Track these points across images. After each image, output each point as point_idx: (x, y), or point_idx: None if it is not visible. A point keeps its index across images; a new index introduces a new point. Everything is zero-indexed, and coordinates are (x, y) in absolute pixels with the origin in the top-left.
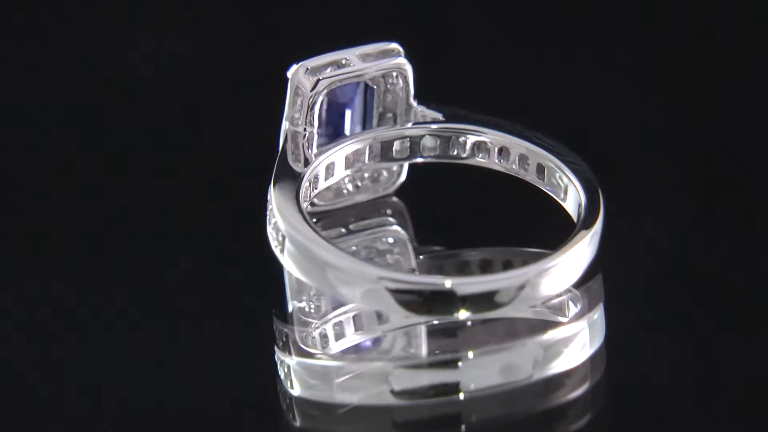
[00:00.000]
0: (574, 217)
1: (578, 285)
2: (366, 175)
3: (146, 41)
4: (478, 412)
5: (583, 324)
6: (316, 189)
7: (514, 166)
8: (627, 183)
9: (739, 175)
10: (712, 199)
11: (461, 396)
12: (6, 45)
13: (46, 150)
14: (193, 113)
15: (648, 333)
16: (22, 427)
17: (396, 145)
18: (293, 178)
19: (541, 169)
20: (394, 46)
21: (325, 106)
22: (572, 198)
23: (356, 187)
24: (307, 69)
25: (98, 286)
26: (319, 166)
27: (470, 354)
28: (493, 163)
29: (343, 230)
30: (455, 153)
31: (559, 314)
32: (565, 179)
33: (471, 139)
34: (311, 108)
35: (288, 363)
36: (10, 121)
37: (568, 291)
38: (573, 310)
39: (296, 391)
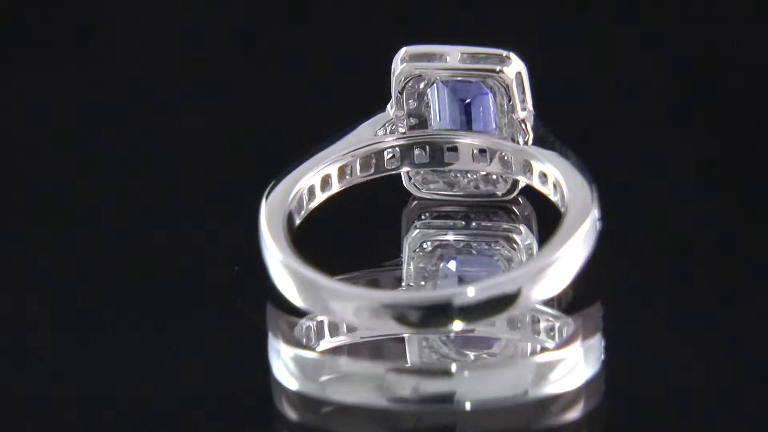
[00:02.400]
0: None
1: (576, 311)
2: (484, 174)
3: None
4: (470, 424)
5: (581, 348)
6: (314, 200)
7: (507, 169)
8: (625, 177)
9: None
10: (720, 202)
11: (454, 406)
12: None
13: (45, 148)
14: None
15: (648, 359)
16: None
17: (384, 156)
18: (286, 192)
19: (541, 173)
20: (508, 55)
21: (445, 98)
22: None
23: (488, 182)
24: (408, 55)
25: (92, 281)
26: (314, 177)
27: (466, 366)
28: (495, 168)
29: (463, 223)
30: (447, 161)
31: (548, 339)
32: (549, 172)
33: (463, 145)
34: (401, 93)
35: (281, 354)
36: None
37: (559, 318)
38: (563, 335)
39: (286, 383)
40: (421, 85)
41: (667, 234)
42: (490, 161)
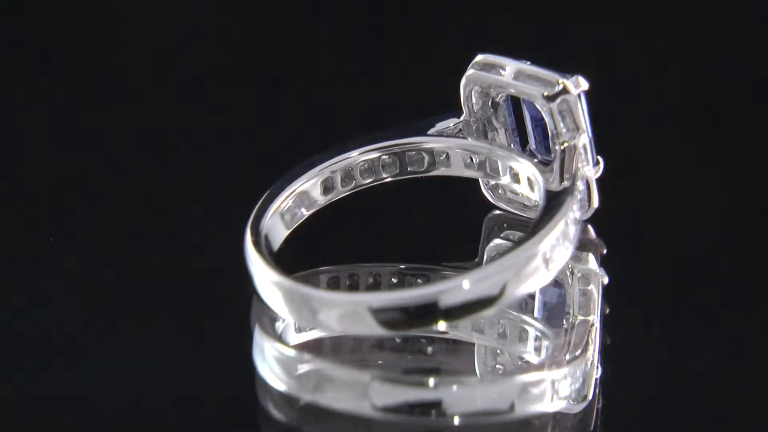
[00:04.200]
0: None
1: (567, 328)
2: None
3: None
4: None
5: (573, 369)
6: (304, 213)
7: (472, 171)
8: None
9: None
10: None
11: (439, 418)
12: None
13: (45, 148)
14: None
15: (640, 378)
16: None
17: (359, 168)
18: (270, 207)
19: (513, 173)
20: (562, 81)
21: (528, 114)
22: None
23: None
24: (479, 63)
25: (83, 281)
26: (296, 190)
27: (454, 381)
28: (461, 170)
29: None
30: (413, 168)
31: (538, 355)
32: (521, 171)
33: (427, 151)
34: (468, 97)
35: (265, 352)
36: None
37: (547, 336)
38: (553, 353)
39: (271, 381)
40: (498, 94)
41: (665, 243)
42: (453, 165)
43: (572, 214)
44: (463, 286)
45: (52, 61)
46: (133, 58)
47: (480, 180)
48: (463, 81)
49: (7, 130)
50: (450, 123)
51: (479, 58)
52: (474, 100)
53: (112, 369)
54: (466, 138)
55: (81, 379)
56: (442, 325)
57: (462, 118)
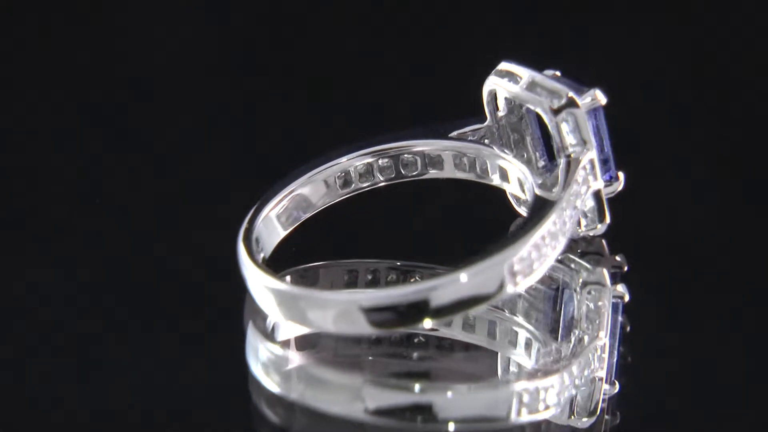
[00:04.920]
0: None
1: (569, 338)
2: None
3: None
4: None
5: (561, 379)
6: (301, 216)
7: (469, 173)
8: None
9: None
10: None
11: (431, 423)
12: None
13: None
14: None
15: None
16: None
17: (353, 173)
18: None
19: (502, 171)
20: (570, 94)
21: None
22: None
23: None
24: (500, 70)
25: (76, 282)
26: (291, 195)
27: (448, 386)
28: (453, 173)
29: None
30: (406, 172)
31: (539, 363)
32: (505, 165)
33: (418, 155)
34: (488, 103)
35: (258, 352)
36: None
37: (545, 344)
38: (554, 361)
39: (261, 379)
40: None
41: (674, 252)
42: (445, 167)
43: (552, 227)
44: (461, 279)
45: (52, 61)
46: (133, 57)
47: (506, 187)
48: (484, 88)
49: (7, 130)
50: (468, 129)
51: (501, 65)
52: (500, 106)
53: (106, 368)
54: (491, 146)
55: (77, 379)
56: (428, 323)
57: (485, 123)
